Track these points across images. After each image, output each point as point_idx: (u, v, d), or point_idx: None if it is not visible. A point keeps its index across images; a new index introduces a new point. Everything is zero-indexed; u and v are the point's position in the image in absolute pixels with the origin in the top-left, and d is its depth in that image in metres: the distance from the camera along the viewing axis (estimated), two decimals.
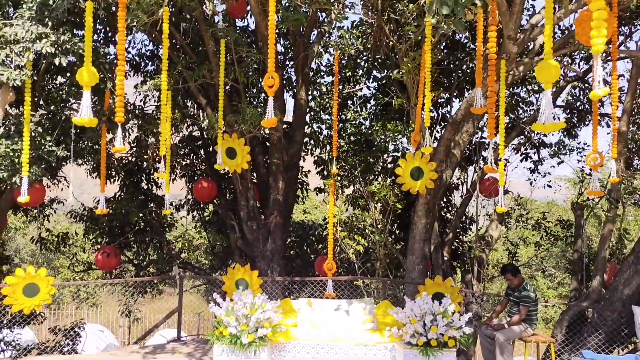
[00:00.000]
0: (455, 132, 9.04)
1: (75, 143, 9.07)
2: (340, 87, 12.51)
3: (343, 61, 12.09)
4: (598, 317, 9.33)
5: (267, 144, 11.65)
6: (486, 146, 11.87)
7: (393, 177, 10.47)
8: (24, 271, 7.64)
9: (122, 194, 12.45)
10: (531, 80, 12.25)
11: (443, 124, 11.95)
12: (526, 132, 12.83)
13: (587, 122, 13.12)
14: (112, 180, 12.25)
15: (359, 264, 11.17)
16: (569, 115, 13.24)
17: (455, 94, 12.05)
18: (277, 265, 11.04)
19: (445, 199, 13.28)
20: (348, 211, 12.61)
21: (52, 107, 9.18)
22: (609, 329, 9.13)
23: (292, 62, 12.46)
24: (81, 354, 10.58)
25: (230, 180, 12.40)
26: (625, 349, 9.38)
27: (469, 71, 11.45)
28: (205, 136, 11.95)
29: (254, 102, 12.52)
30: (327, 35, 11.16)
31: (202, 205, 13.91)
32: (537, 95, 12.87)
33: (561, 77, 12.08)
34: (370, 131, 12.40)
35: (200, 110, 11.86)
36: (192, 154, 13.30)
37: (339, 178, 11.98)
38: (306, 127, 12.59)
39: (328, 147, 13.05)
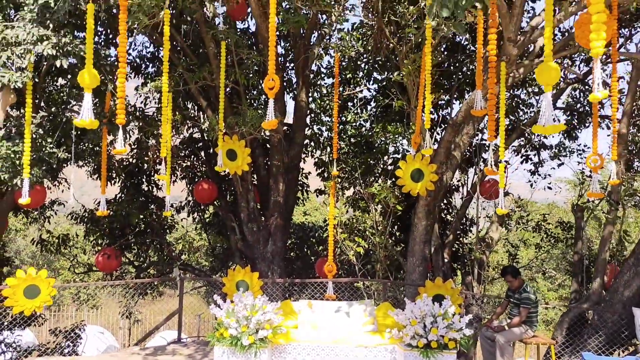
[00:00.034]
0: (455, 134, 9.05)
1: (76, 145, 9.07)
2: (341, 89, 12.53)
3: (343, 63, 12.11)
4: (598, 319, 9.33)
5: (268, 145, 11.66)
6: (486, 148, 11.88)
7: (393, 179, 10.49)
8: (25, 273, 7.65)
9: (123, 195, 12.47)
10: (531, 82, 12.27)
11: (443, 126, 11.96)
12: (526, 134, 12.85)
13: (587, 124, 13.14)
14: (112, 182, 12.27)
15: (360, 266, 11.18)
16: (569, 117, 13.26)
17: (455, 96, 12.07)
18: (277, 267, 11.05)
19: (445, 201, 13.29)
20: (348, 213, 12.62)
21: (53, 109, 9.20)
22: (609, 330, 9.13)
23: (292, 64, 12.48)
24: (81, 356, 10.58)
25: (230, 182, 12.42)
26: (625, 350, 9.38)
27: (469, 73, 11.47)
28: (206, 138, 11.97)
29: (255, 104, 12.54)
30: (328, 37, 11.18)
31: (202, 207, 13.93)
32: (537, 97, 12.89)
33: (561, 79, 12.10)
34: (370, 133, 12.42)
35: (201, 112, 11.88)
36: (192, 156, 13.32)
37: (339, 180, 11.99)
38: (306, 129, 12.61)
39: (328, 149, 13.08)
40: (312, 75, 12.52)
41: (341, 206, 12.43)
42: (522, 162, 13.69)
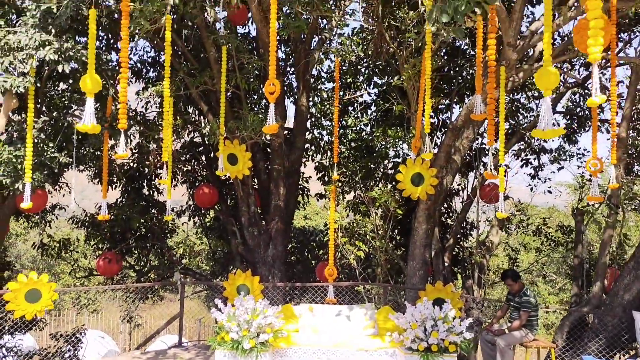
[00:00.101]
0: (455, 138, 9.08)
1: (77, 149, 9.11)
2: (341, 93, 12.56)
3: (344, 68, 12.15)
4: (599, 323, 9.34)
5: (268, 150, 11.69)
6: (486, 152, 11.91)
7: (394, 183, 10.52)
8: (26, 277, 7.67)
9: (124, 200, 12.50)
10: (531, 87, 12.30)
11: (443, 130, 12.00)
12: (526, 138, 12.88)
13: (587, 128, 13.17)
14: (113, 186, 12.30)
15: (360, 270, 11.19)
16: (569, 121, 13.29)
17: (455, 100, 12.10)
18: (278, 271, 11.07)
19: (445, 205, 13.30)
20: (349, 217, 12.65)
21: (54, 114, 9.23)
22: (610, 334, 9.14)
23: (293, 69, 12.53)
24: None
25: (231, 186, 12.44)
26: (625, 354, 9.38)
27: (469, 77, 11.50)
28: (207, 142, 12.01)
29: (255, 109, 12.58)
30: (328, 42, 11.22)
31: (203, 211, 13.95)
32: (537, 102, 12.92)
33: (561, 84, 12.13)
34: (370, 137, 12.45)
35: (202, 117, 11.91)
36: (193, 160, 13.35)
37: (339, 184, 12.01)
38: (307, 133, 12.64)
39: (329, 153, 13.10)
40: (312, 80, 12.56)
41: (342, 210, 12.45)
42: (522, 166, 13.73)
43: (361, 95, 13.19)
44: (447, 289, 8.59)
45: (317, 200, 14.58)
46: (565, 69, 11.86)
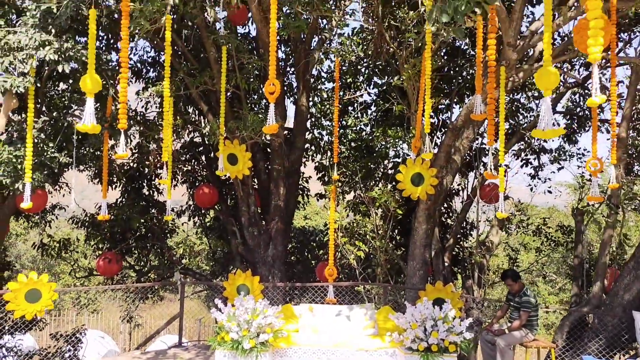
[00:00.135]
0: (455, 138, 9.08)
1: (77, 149, 9.11)
2: (341, 93, 12.57)
3: (344, 68, 12.15)
4: (599, 323, 9.34)
5: (268, 150, 11.69)
6: (486, 152, 11.91)
7: (394, 183, 10.52)
8: (26, 277, 7.68)
9: (124, 200, 12.50)
10: (531, 87, 12.30)
11: (443, 130, 12.00)
12: (526, 138, 12.88)
13: (587, 128, 13.17)
14: (113, 186, 12.30)
15: (360, 270, 11.19)
16: (569, 121, 13.30)
17: (455, 100, 12.11)
18: (278, 271, 11.07)
19: (445, 205, 13.31)
20: (349, 217, 12.65)
21: (54, 114, 9.23)
22: (610, 334, 9.14)
23: (293, 69, 12.53)
24: None
25: (231, 186, 12.44)
26: (625, 354, 9.38)
27: (469, 77, 11.51)
28: (207, 142, 12.01)
29: (255, 109, 12.58)
30: (328, 42, 11.23)
31: (203, 211, 13.95)
32: (537, 102, 12.92)
33: (561, 84, 12.13)
34: (370, 137, 12.45)
35: (202, 117, 11.92)
36: (193, 160, 13.35)
37: (339, 184, 12.02)
38: (307, 133, 12.64)
39: (329, 153, 13.11)
40: (312, 80, 12.57)
41: (342, 210, 12.46)
42: (522, 166, 13.74)
43: (361, 95, 13.19)
44: (447, 289, 8.59)
45: (317, 200, 14.58)
46: (565, 69, 11.86)
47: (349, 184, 12.39)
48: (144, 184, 12.96)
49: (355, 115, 12.95)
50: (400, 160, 12.59)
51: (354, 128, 12.91)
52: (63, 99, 9.95)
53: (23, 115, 9.05)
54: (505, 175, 8.05)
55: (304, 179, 13.65)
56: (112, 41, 10.92)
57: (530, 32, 8.18)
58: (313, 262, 15.01)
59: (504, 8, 7.19)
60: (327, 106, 13.14)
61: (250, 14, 9.81)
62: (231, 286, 9.18)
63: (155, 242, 12.95)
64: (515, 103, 12.73)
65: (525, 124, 12.50)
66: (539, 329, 8.76)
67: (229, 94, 10.18)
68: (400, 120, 11.59)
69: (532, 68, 8.30)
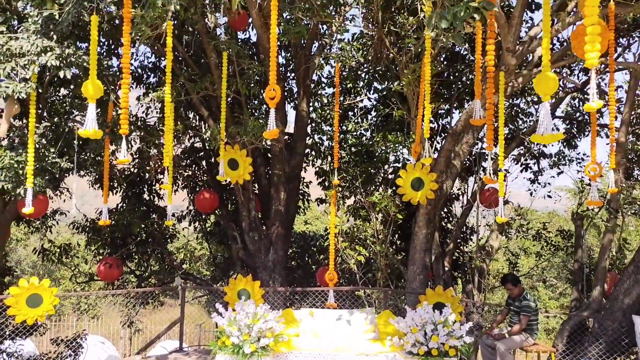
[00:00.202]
0: (455, 143, 9.11)
1: (79, 155, 9.14)
2: (341, 98, 12.61)
3: (344, 73, 12.20)
4: (599, 327, 9.35)
5: (269, 155, 11.72)
6: (486, 157, 11.94)
7: (394, 188, 10.54)
8: (28, 282, 7.70)
9: (125, 205, 12.50)
10: (530, 92, 12.34)
11: (443, 135, 12.03)
12: (526, 143, 12.91)
13: (586, 133, 13.20)
14: (114, 191, 12.31)
15: (360, 274, 11.20)
16: (568, 126, 13.33)
17: (455, 105, 12.15)
18: (278, 275, 11.08)
19: (445, 210, 13.33)
20: (349, 222, 12.66)
21: (55, 119, 9.26)
22: (610, 338, 9.15)
23: (293, 74, 12.57)
24: None
25: (231, 191, 12.46)
26: (626, 358, 9.39)
27: (468, 83, 11.55)
28: (207, 147, 12.03)
29: (256, 114, 12.61)
30: (328, 47, 11.28)
31: (203, 216, 13.96)
32: (536, 106, 12.96)
33: (560, 88, 12.17)
34: (371, 142, 12.49)
35: (203, 122, 11.95)
36: (194, 165, 13.37)
37: (340, 189, 12.05)
38: (307, 138, 12.67)
39: (329, 158, 13.14)
40: (312, 85, 12.60)
41: (342, 215, 12.48)
42: (521, 171, 13.76)
43: (361, 101, 13.23)
44: (447, 293, 8.60)
45: (318, 205, 14.60)
46: (564, 74, 11.91)
47: (349, 188, 12.41)
48: (145, 189, 12.96)
49: (356, 121, 12.99)
50: (400, 165, 12.62)
51: (354, 133, 12.94)
52: (64, 105, 9.99)
53: (24, 121, 9.08)
54: (504, 180, 8.07)
55: (305, 184, 13.67)
56: (113, 47, 10.96)
57: (529, 38, 8.22)
58: (313, 266, 15.01)
59: (502, 14, 7.23)
60: (328, 111, 13.18)
61: (250, 20, 9.85)
62: (232, 291, 9.19)
63: (155, 247, 12.95)
64: (515, 108, 12.77)
65: (525, 129, 12.54)
66: (539, 334, 8.77)
67: (229, 99, 10.22)
68: (400, 125, 11.63)
69: (531, 73, 8.34)
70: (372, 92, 12.91)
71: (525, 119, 12.96)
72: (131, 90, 11.20)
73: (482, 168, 12.10)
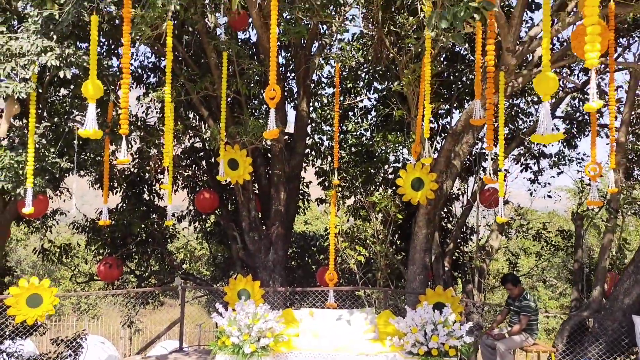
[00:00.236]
0: (455, 143, 9.12)
1: (78, 155, 9.14)
2: (341, 98, 12.61)
3: (344, 73, 12.20)
4: (599, 327, 9.35)
5: (269, 155, 11.72)
6: (486, 157, 11.94)
7: (394, 188, 10.54)
8: (28, 282, 7.70)
9: (124, 205, 12.50)
10: (530, 92, 12.34)
11: (443, 135, 12.03)
12: (526, 143, 12.91)
13: (586, 133, 13.20)
14: (114, 191, 12.31)
15: (360, 274, 11.20)
16: (568, 126, 13.33)
17: (455, 105, 12.15)
18: (278, 275, 11.08)
19: (445, 210, 13.33)
20: (349, 222, 12.66)
21: (55, 119, 9.26)
22: (610, 338, 9.15)
23: (293, 74, 12.57)
24: None
25: (231, 191, 12.46)
26: (626, 358, 9.39)
27: (468, 83, 11.55)
28: (207, 147, 12.03)
29: (256, 114, 12.62)
30: (328, 47, 11.28)
31: (203, 216, 13.96)
32: (536, 106, 12.96)
33: (560, 88, 12.17)
34: (371, 142, 12.49)
35: (203, 122, 11.96)
36: (194, 165, 13.37)
37: (340, 189, 12.05)
38: (307, 138, 12.67)
39: (329, 158, 13.14)
40: (312, 85, 12.60)
41: (342, 215, 12.48)
42: (521, 171, 13.76)
43: (361, 101, 13.23)
44: (447, 293, 8.60)
45: (318, 205, 14.60)
46: (564, 74, 11.91)
47: (349, 188, 12.41)
48: (145, 189, 12.96)
49: (356, 121, 12.99)
50: (400, 165, 12.62)
51: (354, 133, 12.94)
52: (64, 105, 9.98)
53: (24, 121, 9.08)
54: (504, 180, 8.07)
55: (305, 184, 13.67)
56: (113, 47, 10.96)
57: (529, 38, 8.22)
58: (313, 266, 15.01)
59: (502, 14, 7.23)
60: (328, 111, 13.18)
61: (250, 20, 9.86)
62: (232, 291, 9.19)
63: (155, 247, 12.95)
64: (515, 108, 12.77)
65: (525, 129, 12.54)
66: (539, 334, 8.77)
67: (229, 99, 10.21)
68: (400, 125, 11.62)
69: (531, 73, 8.34)
70: (372, 92, 12.93)
71: (525, 119, 12.96)
72: (131, 90, 11.20)
73: (482, 168, 12.09)
